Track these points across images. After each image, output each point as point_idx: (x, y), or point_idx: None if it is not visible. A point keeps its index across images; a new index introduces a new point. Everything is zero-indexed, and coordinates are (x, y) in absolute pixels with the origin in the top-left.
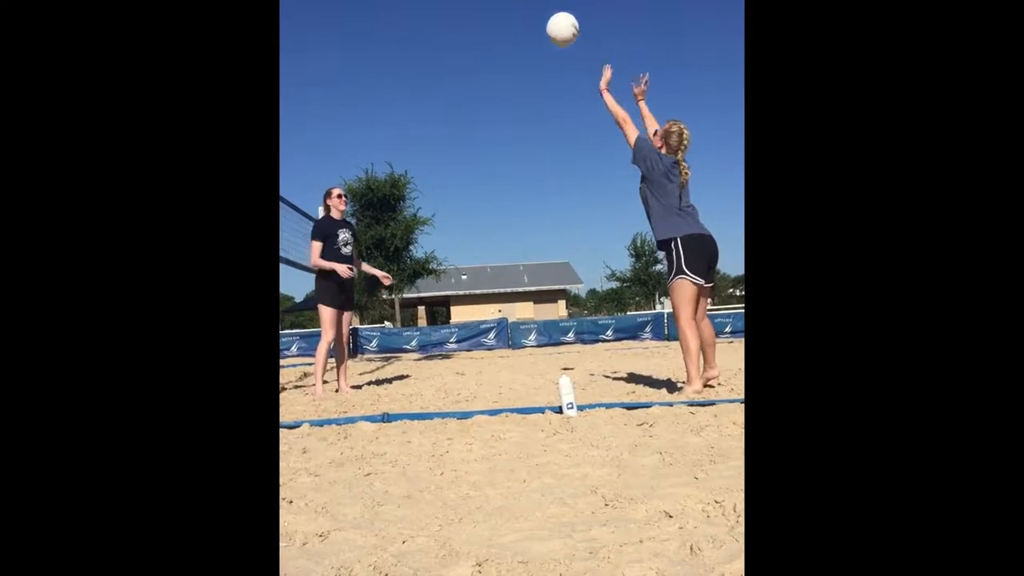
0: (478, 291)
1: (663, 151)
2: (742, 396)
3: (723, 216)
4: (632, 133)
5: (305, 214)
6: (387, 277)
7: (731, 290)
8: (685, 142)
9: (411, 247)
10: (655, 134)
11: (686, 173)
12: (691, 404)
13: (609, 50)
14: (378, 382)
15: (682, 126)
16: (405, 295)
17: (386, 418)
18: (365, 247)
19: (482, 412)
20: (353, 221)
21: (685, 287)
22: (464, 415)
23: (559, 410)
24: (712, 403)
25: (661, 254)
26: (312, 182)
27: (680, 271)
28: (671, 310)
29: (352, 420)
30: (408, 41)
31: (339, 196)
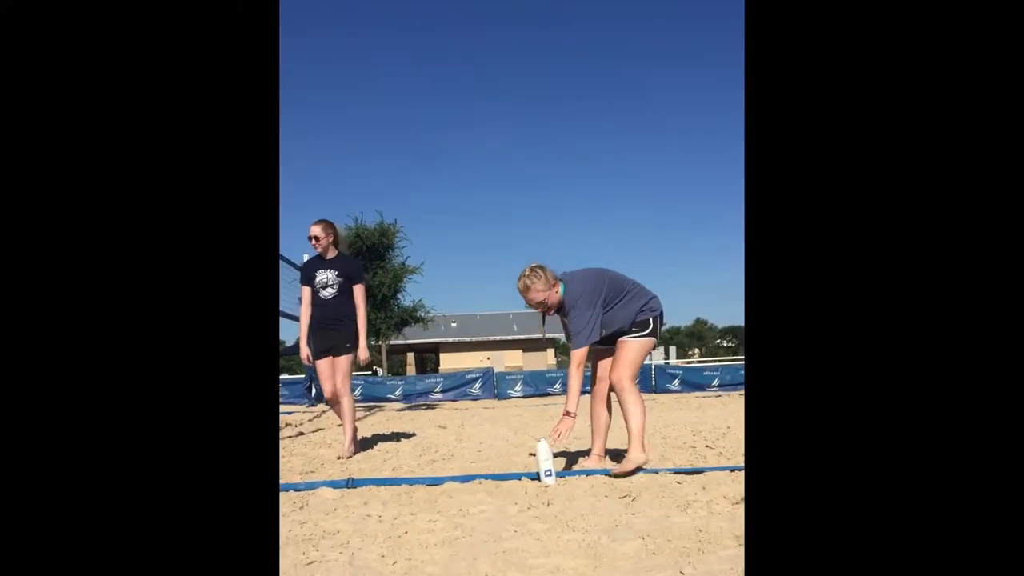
0: (467, 338)
1: (556, 288)
2: (733, 463)
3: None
4: (580, 345)
5: (290, 263)
6: (365, 360)
7: (718, 340)
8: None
9: (399, 295)
10: (549, 305)
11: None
12: (677, 472)
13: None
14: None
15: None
16: (394, 342)
17: (351, 484)
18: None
19: (453, 479)
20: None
21: (649, 348)
22: (434, 481)
23: (537, 476)
24: (699, 471)
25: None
26: (301, 232)
27: (654, 333)
28: (645, 363)
29: (313, 486)
30: (394, 95)
31: (310, 237)
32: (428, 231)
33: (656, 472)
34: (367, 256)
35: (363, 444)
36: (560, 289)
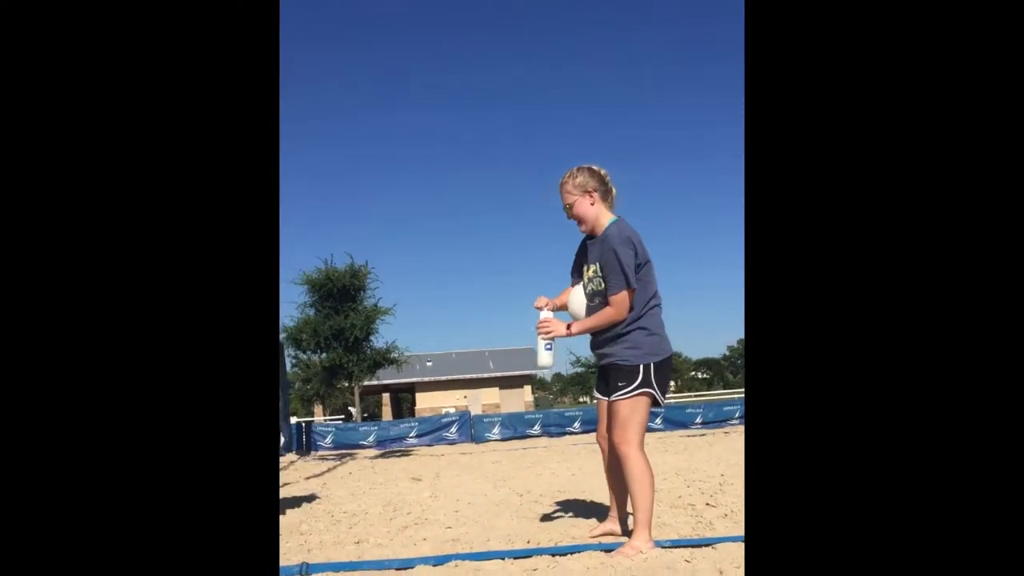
0: (443, 377)
1: (592, 201)
2: (743, 528)
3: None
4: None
5: None
6: None
7: (693, 372)
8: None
9: (371, 337)
10: (574, 205)
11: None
12: (683, 545)
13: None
14: (320, 494)
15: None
16: (368, 383)
17: (304, 571)
18: (324, 338)
19: (425, 560)
20: (312, 312)
21: (646, 404)
22: (404, 564)
23: (517, 554)
24: (709, 542)
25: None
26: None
27: (647, 384)
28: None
29: None
30: (366, 137)
31: None
32: (402, 268)
33: (661, 546)
34: (338, 298)
35: (328, 498)
36: (604, 212)
